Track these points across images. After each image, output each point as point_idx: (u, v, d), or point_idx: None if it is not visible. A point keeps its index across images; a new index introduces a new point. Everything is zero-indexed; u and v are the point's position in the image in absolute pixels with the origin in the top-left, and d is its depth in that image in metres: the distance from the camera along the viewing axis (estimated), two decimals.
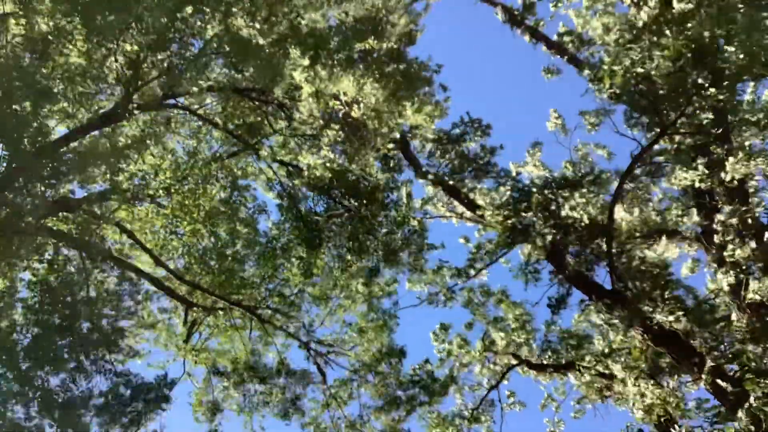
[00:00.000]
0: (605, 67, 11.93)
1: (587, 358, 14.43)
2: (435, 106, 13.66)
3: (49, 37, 11.00)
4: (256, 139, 16.07)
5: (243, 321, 17.72)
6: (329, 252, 16.25)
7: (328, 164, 14.29)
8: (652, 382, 11.99)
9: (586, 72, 12.81)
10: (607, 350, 13.65)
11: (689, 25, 11.17)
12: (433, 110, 13.48)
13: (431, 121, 13.69)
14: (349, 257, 15.93)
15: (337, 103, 13.07)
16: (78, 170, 12.79)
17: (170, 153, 15.81)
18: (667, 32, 11.31)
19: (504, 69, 31.12)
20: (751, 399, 9.95)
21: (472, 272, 16.04)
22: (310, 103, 12.82)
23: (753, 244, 10.88)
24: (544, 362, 16.00)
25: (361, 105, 12.71)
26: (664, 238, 13.07)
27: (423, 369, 17.00)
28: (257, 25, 12.47)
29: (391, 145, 14.32)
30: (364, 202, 14.98)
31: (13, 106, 10.69)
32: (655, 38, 11.53)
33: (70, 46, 11.51)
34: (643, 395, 11.85)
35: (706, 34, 10.80)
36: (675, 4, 11.28)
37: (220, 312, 17.12)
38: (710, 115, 11.78)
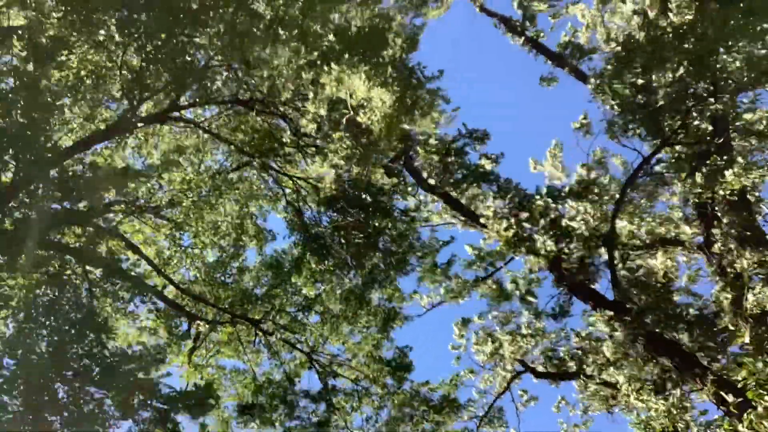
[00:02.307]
0: (607, 82, 12.01)
1: (591, 367, 14.32)
2: (440, 113, 13.76)
3: (55, 48, 11.11)
4: (261, 152, 16.10)
5: (248, 334, 17.57)
6: (336, 264, 16.19)
7: (334, 176, 14.33)
8: (655, 393, 11.90)
9: (589, 84, 12.87)
10: (611, 359, 13.55)
11: (689, 36, 11.23)
12: (439, 116, 13.56)
13: (435, 127, 13.73)
14: (355, 269, 15.90)
15: (344, 109, 13.06)
16: (83, 183, 12.89)
17: (174, 166, 15.85)
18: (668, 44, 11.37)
19: (504, 75, 31.17)
20: (759, 409, 9.85)
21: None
22: (317, 107, 12.73)
23: (753, 254, 10.84)
24: (550, 370, 15.89)
25: (368, 109, 12.69)
26: (665, 247, 13.04)
27: (426, 387, 16.90)
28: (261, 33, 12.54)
29: (396, 152, 14.35)
30: (371, 212, 14.98)
31: (19, 119, 10.81)
32: (656, 50, 11.60)
33: (74, 58, 11.63)
34: (646, 405, 11.76)
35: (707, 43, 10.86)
36: (672, 17, 11.33)
37: (225, 326, 17.00)
38: (710, 126, 11.80)
